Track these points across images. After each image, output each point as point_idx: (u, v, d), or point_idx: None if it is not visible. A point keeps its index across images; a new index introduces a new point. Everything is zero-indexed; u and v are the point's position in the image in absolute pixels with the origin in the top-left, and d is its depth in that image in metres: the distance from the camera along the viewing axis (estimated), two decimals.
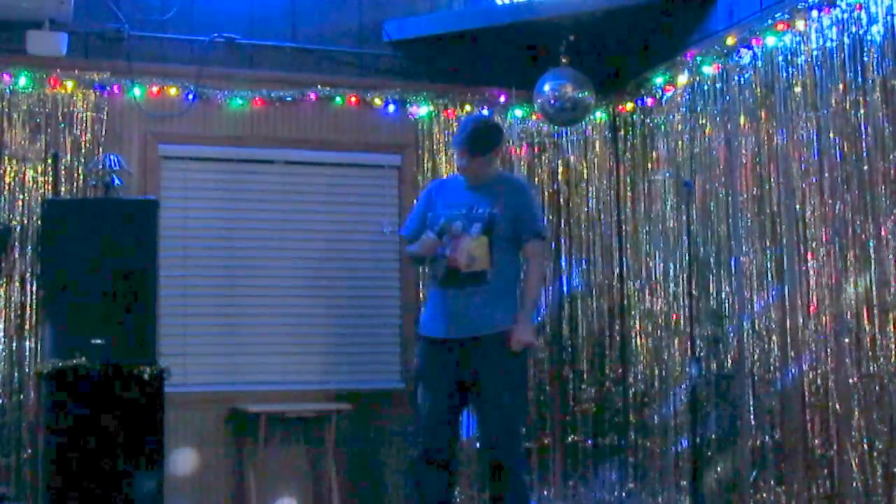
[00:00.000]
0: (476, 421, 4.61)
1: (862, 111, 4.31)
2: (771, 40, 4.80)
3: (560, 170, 6.10)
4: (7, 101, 5.25)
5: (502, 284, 4.48)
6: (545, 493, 5.87)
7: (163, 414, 4.80)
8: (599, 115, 6.09)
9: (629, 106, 6.00)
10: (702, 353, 5.17)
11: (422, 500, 4.55)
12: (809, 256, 4.57)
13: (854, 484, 4.27)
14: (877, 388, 4.20)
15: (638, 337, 5.87)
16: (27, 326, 5.14)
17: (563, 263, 6.04)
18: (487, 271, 4.44)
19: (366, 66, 5.87)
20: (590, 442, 5.94)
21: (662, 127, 5.71)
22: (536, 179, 6.03)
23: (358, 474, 5.63)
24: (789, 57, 4.72)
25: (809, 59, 4.59)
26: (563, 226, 6.06)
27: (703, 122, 5.34)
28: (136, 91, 5.46)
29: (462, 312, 4.44)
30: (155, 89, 5.50)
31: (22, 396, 5.10)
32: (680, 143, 5.53)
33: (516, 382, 4.47)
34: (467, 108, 5.92)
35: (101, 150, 5.31)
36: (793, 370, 4.67)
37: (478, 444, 4.60)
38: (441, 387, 4.50)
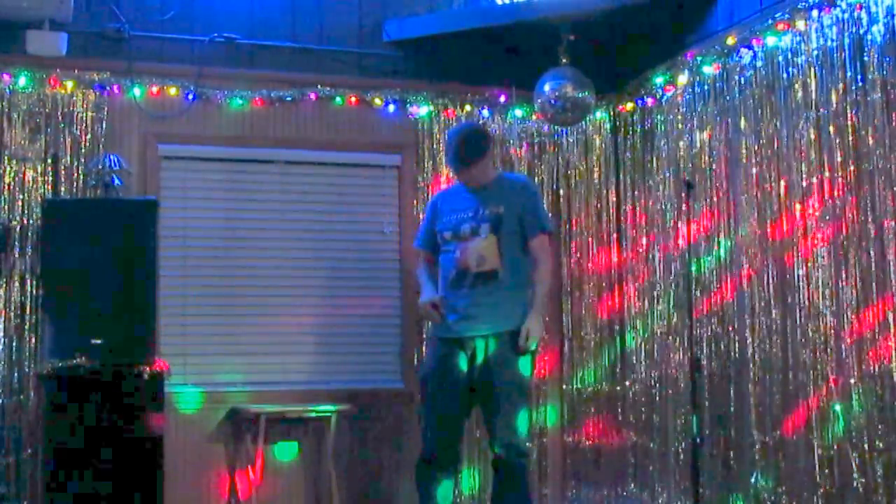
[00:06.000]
0: (483, 419, 4.57)
1: (862, 111, 4.30)
2: (771, 40, 4.80)
3: (560, 170, 6.10)
4: (7, 101, 5.25)
5: (514, 283, 4.51)
6: (545, 493, 5.87)
7: (163, 414, 4.80)
8: (599, 115, 6.09)
9: (629, 106, 6.00)
10: (702, 354, 5.17)
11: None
12: (809, 256, 4.57)
13: (854, 484, 4.27)
14: (877, 388, 4.20)
15: (638, 337, 5.86)
16: (27, 326, 5.14)
17: (563, 263, 6.04)
18: (498, 271, 4.47)
19: (366, 66, 5.87)
20: (590, 442, 5.94)
21: (662, 127, 5.71)
22: (536, 179, 6.02)
23: (358, 474, 5.63)
24: (789, 57, 4.71)
25: (809, 59, 4.59)
26: (563, 225, 6.05)
27: (704, 122, 5.34)
28: (136, 91, 5.46)
29: (474, 312, 4.47)
30: (155, 89, 5.50)
31: (22, 396, 5.10)
32: (680, 143, 5.52)
33: (524, 382, 4.49)
34: (467, 108, 5.93)
35: (101, 150, 5.31)
36: (792, 370, 4.67)
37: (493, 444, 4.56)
38: (449, 388, 4.50)
